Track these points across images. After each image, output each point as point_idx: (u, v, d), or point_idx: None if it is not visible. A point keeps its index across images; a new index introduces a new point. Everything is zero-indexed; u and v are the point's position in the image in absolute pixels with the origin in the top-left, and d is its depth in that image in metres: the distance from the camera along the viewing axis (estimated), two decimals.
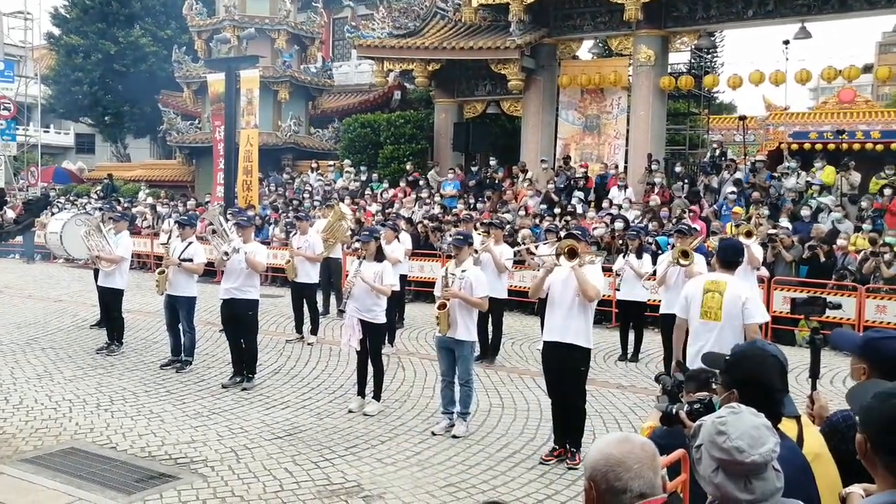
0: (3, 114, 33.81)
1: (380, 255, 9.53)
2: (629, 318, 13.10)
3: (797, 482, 3.03)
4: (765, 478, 2.58)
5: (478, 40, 23.48)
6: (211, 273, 15.86)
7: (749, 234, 12.03)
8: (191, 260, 11.31)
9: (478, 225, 15.38)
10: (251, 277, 10.57)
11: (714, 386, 3.67)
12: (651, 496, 2.49)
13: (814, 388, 4.28)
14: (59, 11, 39.63)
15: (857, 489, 3.09)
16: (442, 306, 8.50)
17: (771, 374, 3.41)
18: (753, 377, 3.36)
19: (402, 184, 23.97)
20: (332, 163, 27.67)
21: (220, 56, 28.22)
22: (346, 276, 11.53)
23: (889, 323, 13.22)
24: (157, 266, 12.49)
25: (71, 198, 30.08)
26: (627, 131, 22.73)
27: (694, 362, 6.34)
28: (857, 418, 2.93)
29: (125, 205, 25.85)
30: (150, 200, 27.75)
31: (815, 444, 3.38)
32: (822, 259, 14.53)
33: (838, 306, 5.88)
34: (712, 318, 6.73)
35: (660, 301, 11.70)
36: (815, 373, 4.47)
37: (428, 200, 21.86)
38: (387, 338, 12.71)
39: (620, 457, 2.51)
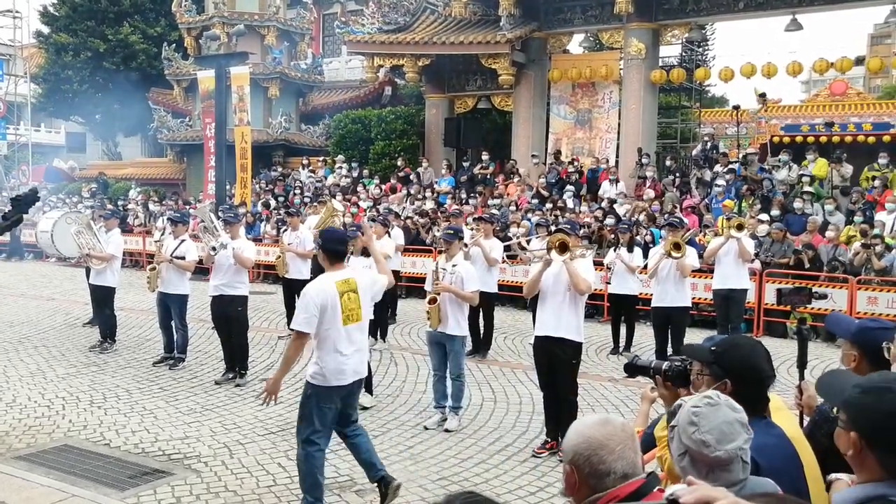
0: None
1: (367, 251, 9.55)
2: (621, 311, 13.13)
3: (786, 470, 3.06)
4: (729, 470, 2.62)
5: (468, 35, 23.46)
6: (203, 271, 15.82)
7: (740, 227, 12.05)
8: (183, 257, 11.31)
9: (469, 220, 15.41)
10: (239, 273, 10.58)
11: (693, 378, 3.65)
12: (634, 476, 2.49)
13: (802, 378, 4.30)
14: (49, 10, 39.50)
15: (844, 477, 3.10)
16: (432, 301, 8.52)
17: (761, 360, 3.42)
18: (747, 365, 3.37)
19: (393, 180, 23.96)
20: (322, 158, 27.62)
21: (210, 53, 28.16)
22: None
23: (880, 314, 13.26)
24: (149, 264, 12.47)
25: (62, 196, 30.01)
26: (619, 125, 22.76)
27: None
28: (835, 411, 2.92)
29: (120, 204, 25.86)
30: (140, 198, 27.69)
31: (787, 429, 3.40)
32: (807, 265, 14.51)
33: (824, 296, 5.89)
34: (354, 320, 6.23)
35: (651, 294, 11.73)
36: (802, 363, 4.50)
37: (419, 196, 21.85)
38: (379, 333, 12.75)
39: (603, 439, 2.50)
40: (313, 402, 6.16)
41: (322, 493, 6.21)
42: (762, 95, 24.55)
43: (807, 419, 4.01)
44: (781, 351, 11.79)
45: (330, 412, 6.18)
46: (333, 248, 6.26)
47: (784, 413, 3.58)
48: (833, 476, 3.15)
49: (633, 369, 4.09)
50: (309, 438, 6.12)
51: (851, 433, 2.51)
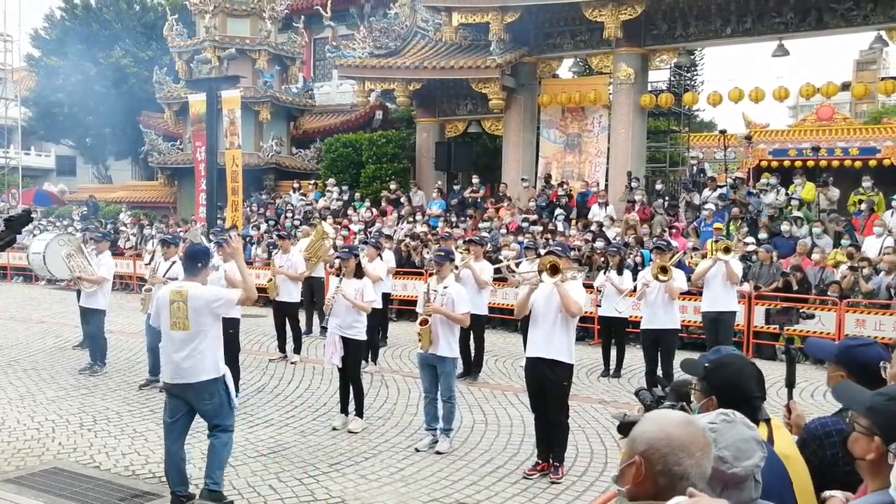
0: None
1: (359, 272, 9.58)
2: (611, 334, 13.17)
3: (775, 487, 3.09)
4: (742, 488, 2.59)
5: (458, 59, 23.60)
6: None
7: (727, 250, 12.11)
8: (176, 279, 11.30)
9: (459, 242, 15.47)
10: None
11: (692, 395, 3.70)
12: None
13: (790, 397, 4.34)
14: (39, 33, 39.55)
15: (839, 494, 3.13)
16: (424, 322, 8.55)
17: (749, 380, 3.45)
18: (732, 384, 3.41)
19: (384, 203, 24.01)
20: (313, 182, 27.66)
21: (201, 77, 28.23)
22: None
23: (869, 336, 13.31)
24: (139, 287, 12.46)
25: (52, 219, 29.95)
26: (608, 149, 22.87)
27: None
28: (848, 418, 2.97)
29: (109, 227, 25.83)
30: (129, 221, 27.67)
31: (784, 446, 3.43)
32: (795, 287, 14.59)
33: (811, 316, 5.94)
34: (180, 328, 6.74)
35: (640, 317, 11.78)
36: (790, 383, 4.54)
37: (410, 219, 21.90)
38: (370, 356, 12.73)
39: (685, 440, 2.36)
40: None
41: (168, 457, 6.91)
42: (748, 138, 24.96)
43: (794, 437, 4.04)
44: (770, 373, 11.79)
45: (169, 404, 6.90)
46: (185, 262, 7.14)
47: (783, 432, 3.63)
48: (827, 493, 3.18)
49: (626, 427, 4.08)
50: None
51: (875, 438, 2.53)
